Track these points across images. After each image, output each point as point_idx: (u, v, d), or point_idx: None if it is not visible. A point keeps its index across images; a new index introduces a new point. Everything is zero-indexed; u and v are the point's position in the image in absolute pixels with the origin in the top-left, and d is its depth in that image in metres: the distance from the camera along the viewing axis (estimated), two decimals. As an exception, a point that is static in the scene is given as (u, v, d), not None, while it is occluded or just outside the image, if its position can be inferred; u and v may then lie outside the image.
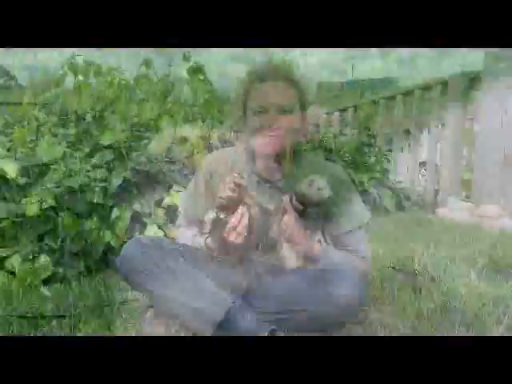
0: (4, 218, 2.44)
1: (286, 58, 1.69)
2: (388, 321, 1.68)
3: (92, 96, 3.34)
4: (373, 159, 5.13)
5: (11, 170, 2.54)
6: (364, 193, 4.31)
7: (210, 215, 1.65)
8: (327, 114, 7.00)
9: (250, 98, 1.64)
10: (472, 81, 4.60)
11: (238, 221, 1.54)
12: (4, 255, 2.34)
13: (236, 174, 1.55)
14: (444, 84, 4.87)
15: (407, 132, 6.17)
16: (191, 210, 1.79)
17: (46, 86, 3.85)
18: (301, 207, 1.54)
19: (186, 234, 1.78)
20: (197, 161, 3.03)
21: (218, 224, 1.56)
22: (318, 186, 1.50)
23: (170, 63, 3.20)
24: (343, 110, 6.89)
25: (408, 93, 5.57)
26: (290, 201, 1.55)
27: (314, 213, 1.55)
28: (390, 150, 6.05)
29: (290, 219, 1.55)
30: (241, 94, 1.68)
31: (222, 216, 1.55)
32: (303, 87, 1.66)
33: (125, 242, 1.65)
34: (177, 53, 3.14)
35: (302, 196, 1.53)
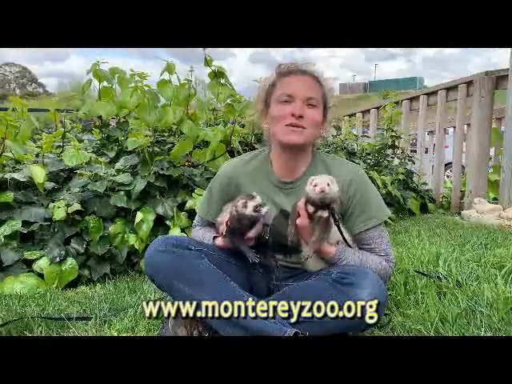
0: (32, 222, 2.50)
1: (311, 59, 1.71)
2: (411, 325, 1.66)
3: (116, 102, 3.41)
4: (396, 161, 5.08)
5: (39, 175, 2.61)
6: (388, 194, 4.27)
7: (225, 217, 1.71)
8: (350, 115, 6.95)
9: (276, 88, 1.66)
10: (498, 79, 4.49)
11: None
12: (32, 258, 2.40)
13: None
14: (469, 83, 4.78)
15: (432, 133, 6.08)
16: (206, 212, 1.85)
17: (72, 93, 3.94)
18: (313, 209, 1.54)
19: (198, 233, 1.84)
20: (218, 164, 3.05)
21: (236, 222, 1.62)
22: (315, 182, 1.51)
23: (192, 68, 3.22)
24: (366, 111, 6.82)
25: (432, 93, 5.47)
26: (306, 204, 1.55)
27: (325, 215, 1.54)
28: (415, 151, 5.97)
29: (302, 222, 1.56)
30: (266, 87, 1.70)
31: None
32: (327, 90, 1.68)
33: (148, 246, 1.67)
34: (199, 57, 3.17)
35: (308, 197, 1.54)
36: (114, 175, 2.82)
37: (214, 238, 1.76)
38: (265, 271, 1.76)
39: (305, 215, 1.55)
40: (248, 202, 1.58)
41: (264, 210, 1.59)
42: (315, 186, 1.50)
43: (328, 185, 1.50)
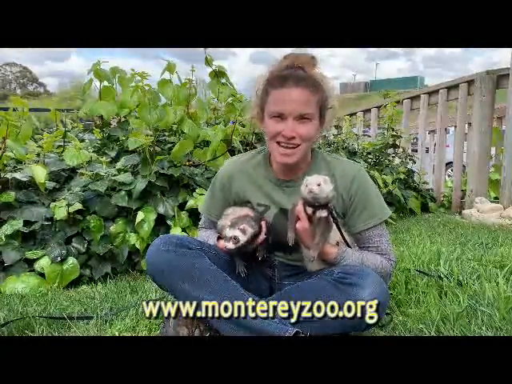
0: (33, 222, 2.51)
1: (311, 54, 1.61)
2: (412, 324, 1.66)
3: (117, 102, 3.41)
4: (397, 160, 5.07)
5: (40, 174, 2.61)
6: (388, 194, 4.26)
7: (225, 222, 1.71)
8: (350, 114, 6.95)
9: (268, 99, 1.59)
10: (499, 79, 4.48)
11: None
12: (34, 257, 2.40)
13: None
14: (470, 82, 4.77)
15: (433, 132, 6.08)
16: (208, 211, 1.85)
17: (73, 92, 3.94)
18: (311, 211, 1.52)
19: (205, 234, 1.83)
20: (219, 164, 3.05)
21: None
22: (307, 183, 1.49)
23: (193, 68, 3.22)
24: (367, 111, 6.82)
25: (433, 92, 5.47)
26: (304, 206, 1.55)
27: (324, 215, 1.53)
28: (415, 151, 5.96)
29: (302, 225, 1.54)
30: (260, 92, 1.64)
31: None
32: (326, 90, 1.61)
33: (149, 245, 1.67)
34: (199, 57, 3.17)
35: (303, 197, 1.53)
36: (115, 175, 2.83)
37: (218, 238, 1.75)
38: (265, 270, 1.76)
39: (304, 218, 1.53)
40: (227, 228, 1.57)
41: (227, 245, 1.55)
42: (306, 186, 1.49)
43: (318, 185, 1.47)
